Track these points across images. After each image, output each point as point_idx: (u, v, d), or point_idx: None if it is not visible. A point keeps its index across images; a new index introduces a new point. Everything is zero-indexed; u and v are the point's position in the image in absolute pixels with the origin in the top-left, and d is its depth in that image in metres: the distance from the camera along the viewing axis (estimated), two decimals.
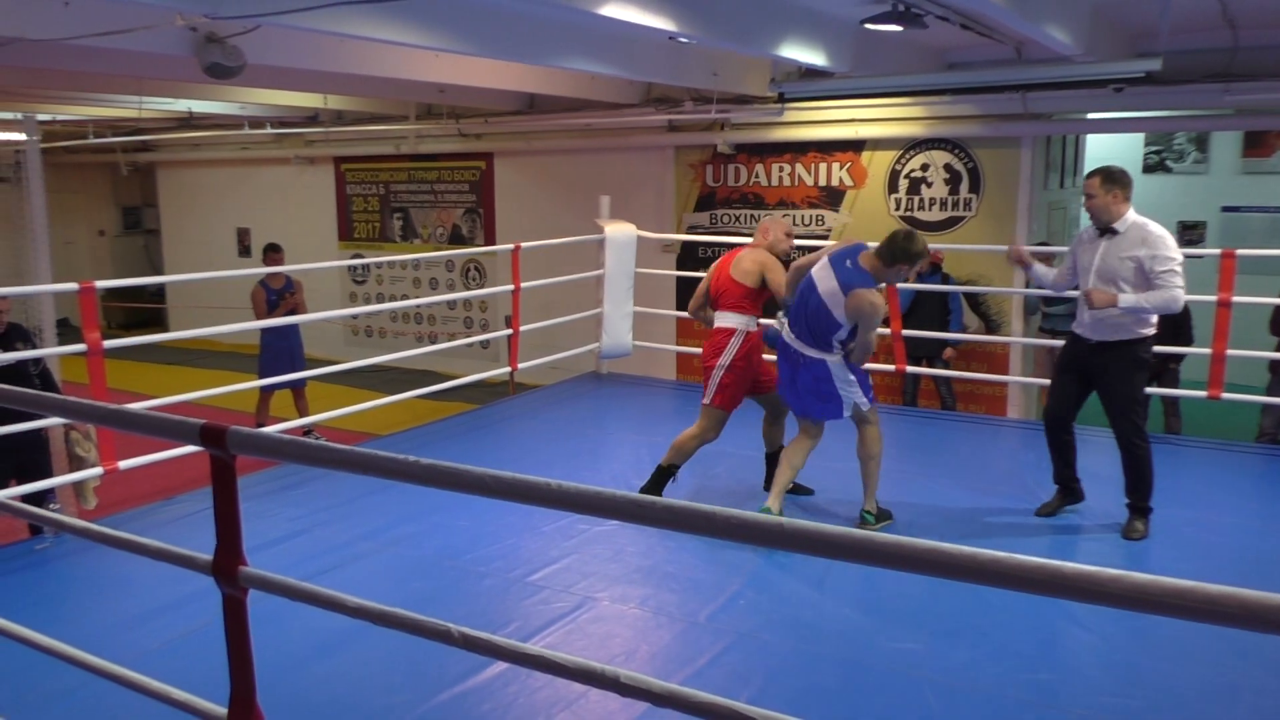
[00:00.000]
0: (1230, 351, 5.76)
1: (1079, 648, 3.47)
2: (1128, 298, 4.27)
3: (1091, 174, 4.42)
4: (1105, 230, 4.40)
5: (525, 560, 4.33)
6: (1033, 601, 3.70)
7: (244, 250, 13.68)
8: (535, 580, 4.12)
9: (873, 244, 4.52)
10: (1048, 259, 5.55)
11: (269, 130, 12.21)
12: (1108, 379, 4.50)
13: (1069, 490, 4.83)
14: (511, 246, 7.35)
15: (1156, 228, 4.35)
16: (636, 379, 8.27)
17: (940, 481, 5.39)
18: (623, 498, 1.75)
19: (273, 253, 8.05)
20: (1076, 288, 4.64)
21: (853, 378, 4.58)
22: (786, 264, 4.92)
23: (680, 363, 9.82)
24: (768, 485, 4.92)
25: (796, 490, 4.99)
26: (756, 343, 4.91)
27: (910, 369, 7.13)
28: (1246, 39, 6.79)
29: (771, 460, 5.09)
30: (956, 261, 8.19)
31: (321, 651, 3.48)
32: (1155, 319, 4.43)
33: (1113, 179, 4.35)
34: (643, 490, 4.94)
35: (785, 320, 4.69)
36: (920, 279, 7.58)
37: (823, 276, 4.43)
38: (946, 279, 7.83)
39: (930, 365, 7.74)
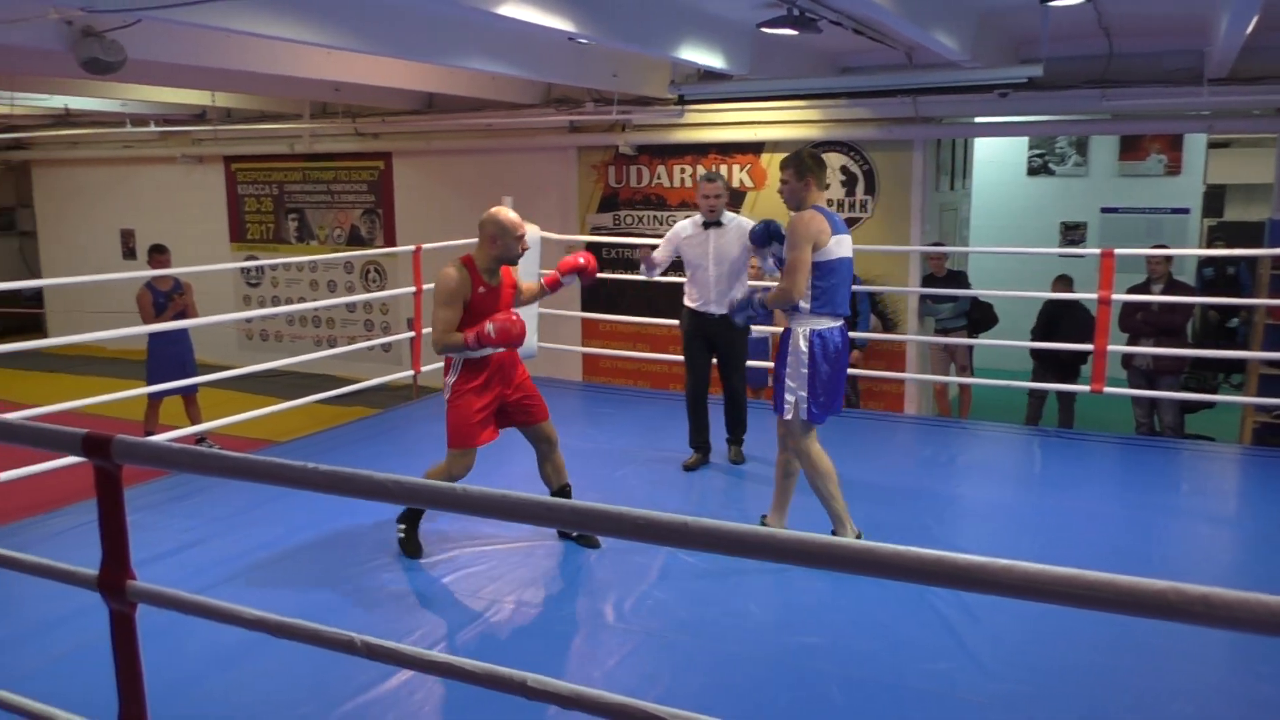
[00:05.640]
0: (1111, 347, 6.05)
1: (974, 637, 3.59)
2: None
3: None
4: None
5: (430, 565, 4.27)
6: (931, 594, 3.82)
7: (129, 253, 13.13)
8: (442, 585, 4.07)
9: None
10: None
11: (153, 128, 11.76)
12: (729, 342, 5.58)
13: (707, 449, 5.74)
14: (413, 248, 7.24)
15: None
16: (542, 381, 8.21)
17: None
18: (528, 500, 1.74)
19: (158, 254, 7.73)
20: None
21: None
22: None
23: (586, 364, 9.81)
24: None
25: None
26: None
27: None
28: (1121, 46, 7.14)
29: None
30: (859, 263, 8.35)
31: (217, 666, 3.37)
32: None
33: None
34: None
35: (835, 314, 4.38)
36: None
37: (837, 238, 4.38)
38: (856, 280, 7.92)
39: None
